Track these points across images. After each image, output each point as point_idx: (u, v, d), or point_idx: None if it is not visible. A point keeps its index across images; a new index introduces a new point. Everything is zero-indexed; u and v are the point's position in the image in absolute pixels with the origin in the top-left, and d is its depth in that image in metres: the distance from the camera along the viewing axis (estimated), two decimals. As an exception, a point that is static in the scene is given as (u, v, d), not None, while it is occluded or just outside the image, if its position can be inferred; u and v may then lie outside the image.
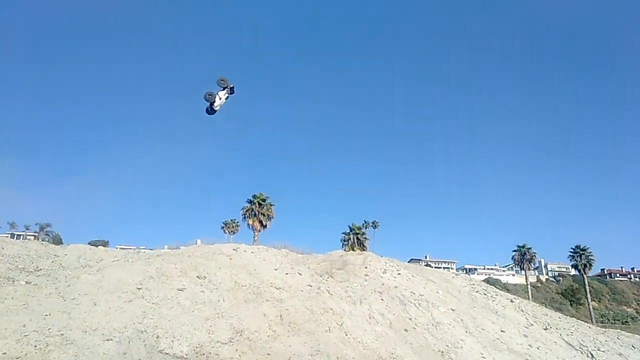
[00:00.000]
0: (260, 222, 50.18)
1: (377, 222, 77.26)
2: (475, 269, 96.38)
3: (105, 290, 10.89)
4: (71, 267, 13.83)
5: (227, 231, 69.03)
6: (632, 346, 16.30)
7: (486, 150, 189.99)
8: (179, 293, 11.22)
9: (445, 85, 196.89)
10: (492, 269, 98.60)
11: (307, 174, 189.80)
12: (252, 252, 15.45)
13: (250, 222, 50.24)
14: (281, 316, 10.79)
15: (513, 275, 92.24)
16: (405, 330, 12.06)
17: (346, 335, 10.94)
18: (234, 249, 15.19)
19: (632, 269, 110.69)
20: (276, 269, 14.13)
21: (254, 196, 50.97)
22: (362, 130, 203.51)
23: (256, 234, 50.29)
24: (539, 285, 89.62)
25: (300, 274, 14.21)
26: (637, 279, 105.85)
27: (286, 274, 13.94)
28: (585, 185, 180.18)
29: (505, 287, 75.51)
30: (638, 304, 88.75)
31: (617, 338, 17.12)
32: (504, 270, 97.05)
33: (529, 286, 66.69)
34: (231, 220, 70.33)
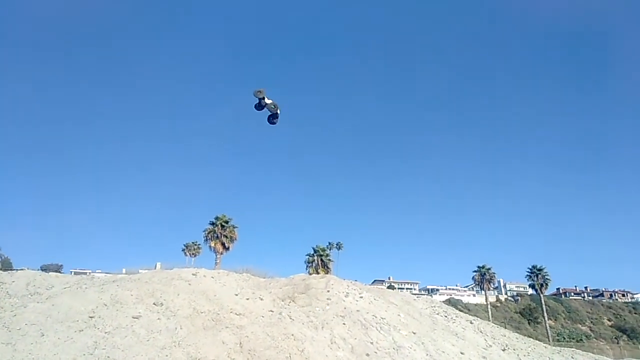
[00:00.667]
0: (223, 244, 49.35)
1: (341, 244, 77.55)
2: (438, 290, 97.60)
3: (55, 320, 10.38)
4: (18, 295, 13.14)
5: (188, 253, 67.54)
6: (586, 365, 16.77)
7: (447, 171, 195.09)
8: (134, 321, 10.81)
9: (409, 103, 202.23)
10: (453, 289, 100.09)
11: (271, 195, 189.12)
12: (212, 277, 15.13)
13: (212, 245, 49.33)
14: (241, 343, 10.55)
15: (474, 295, 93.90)
16: (367, 354, 12.00)
17: (307, 361, 10.78)
18: (193, 274, 14.84)
19: (586, 287, 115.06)
20: (237, 294, 13.87)
21: (217, 218, 50.20)
22: (325, 150, 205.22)
23: (218, 256, 49.38)
24: (499, 304, 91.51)
25: (261, 299, 13.99)
26: (591, 298, 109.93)
27: (247, 299, 13.69)
28: (541, 206, 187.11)
29: (467, 307, 76.83)
30: (591, 322, 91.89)
31: (571, 357, 17.62)
32: (465, 291, 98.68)
33: (489, 306, 67.97)
34: (192, 242, 68.94)
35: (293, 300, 14.53)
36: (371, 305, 15.22)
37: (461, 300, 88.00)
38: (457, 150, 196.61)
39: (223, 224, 49.56)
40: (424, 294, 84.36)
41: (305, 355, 11.02)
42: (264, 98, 13.47)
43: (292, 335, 11.82)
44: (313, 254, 55.65)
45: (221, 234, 49.20)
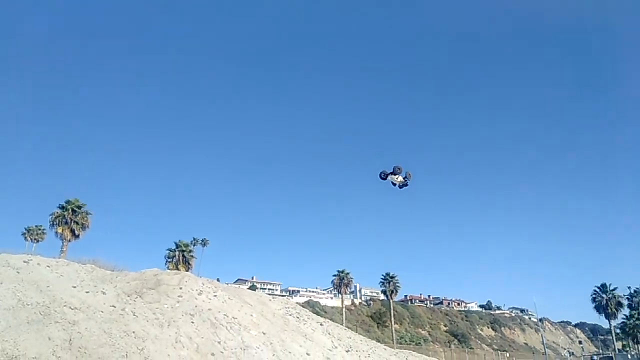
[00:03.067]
0: (72, 231, 44.78)
1: (207, 240, 75.33)
2: (298, 291, 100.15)
3: None
4: None
5: (29, 238, 60.19)
6: (417, 365, 18.40)
7: (314, 175, 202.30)
8: (-63, 312, 9.20)
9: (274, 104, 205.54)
10: (313, 291, 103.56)
11: (135, 185, 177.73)
12: (48, 266, 13.56)
13: (60, 231, 44.44)
14: (70, 340, 9.55)
15: (332, 298, 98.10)
16: (212, 354, 11.72)
17: (146, 361, 10.16)
18: (24, 261, 13.13)
19: (429, 295, 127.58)
20: (75, 287, 12.59)
21: (68, 201, 45.40)
22: (197, 146, 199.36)
23: (65, 244, 44.67)
24: (353, 308, 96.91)
25: (104, 293, 12.90)
26: (432, 305, 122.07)
27: (87, 292, 12.51)
28: (397, 216, 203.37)
29: (324, 310, 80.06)
30: (430, 327, 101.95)
31: (406, 358, 19.20)
32: (324, 293, 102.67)
33: (343, 309, 71.41)
34: (36, 226, 61.65)
35: (140, 296, 13.64)
36: (224, 304, 14.95)
37: (319, 303, 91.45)
38: (325, 154, 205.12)
39: (75, 208, 44.99)
40: (285, 295, 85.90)
41: (145, 355, 10.37)
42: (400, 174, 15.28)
43: (133, 332, 11.07)
44: (174, 249, 53.26)
45: (71, 219, 44.60)
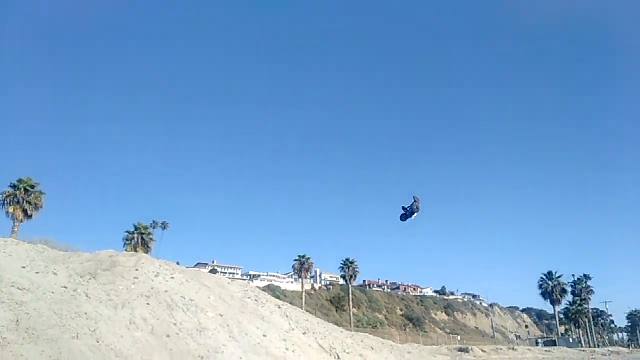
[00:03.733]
0: (25, 211, 43.15)
1: (167, 223, 74.17)
2: (259, 275, 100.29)
3: None
4: None
5: (-24, 218, 57.31)
6: (371, 347, 18.92)
7: (271, 160, 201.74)
8: None
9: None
10: (274, 275, 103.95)
11: (93, 166, 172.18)
12: (-4, 245, 13.08)
13: (11, 210, 42.75)
14: (17, 320, 9.30)
15: (292, 282, 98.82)
16: (168, 335, 11.67)
17: (97, 342, 10.01)
18: (-30, 240, 12.63)
19: (386, 280, 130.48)
20: (24, 267, 12.20)
21: (20, 180, 43.60)
22: (160, 118, 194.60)
23: (17, 224, 43.05)
24: (313, 292, 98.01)
25: (55, 274, 12.56)
26: (389, 290, 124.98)
27: (37, 272, 12.15)
28: (358, 203, 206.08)
29: (284, 294, 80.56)
30: (387, 311, 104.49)
31: (362, 341, 19.70)
32: (284, 278, 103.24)
33: (303, 293, 72.24)
34: (-15, 205, 58.84)
35: (94, 277, 13.37)
36: (181, 286, 14.86)
37: (280, 287, 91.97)
38: (287, 140, 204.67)
39: (27, 188, 43.30)
40: (246, 279, 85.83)
41: (97, 336, 10.22)
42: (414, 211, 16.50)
43: (85, 314, 10.87)
44: (133, 232, 52.26)
45: (23, 199, 42.92)
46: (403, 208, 17.20)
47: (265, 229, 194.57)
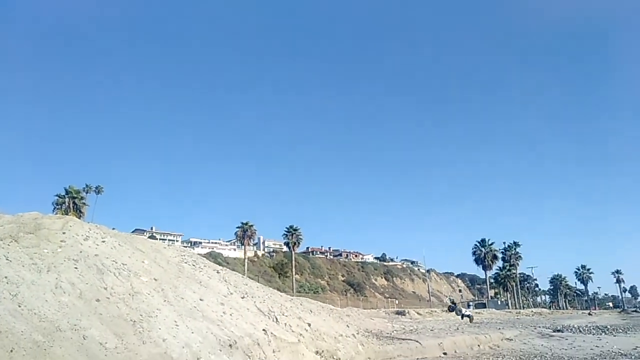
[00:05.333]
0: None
1: (102, 187, 70.85)
2: (200, 242, 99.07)
3: None
4: None
5: None
6: (310, 310, 19.33)
7: (213, 125, 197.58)
8: None
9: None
10: (216, 242, 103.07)
11: (20, 123, 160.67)
12: None
13: None
14: None
15: (235, 250, 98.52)
16: (97, 300, 11.24)
17: (19, 306, 9.46)
18: None
19: (329, 248, 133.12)
20: None
21: None
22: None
23: None
24: (256, 259, 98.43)
25: (-29, 237, 11.67)
26: (332, 257, 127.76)
27: (-50, 235, 11.23)
28: (302, 170, 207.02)
29: (226, 261, 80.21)
30: (329, 277, 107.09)
31: (301, 304, 20.03)
32: (226, 245, 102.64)
33: (246, 260, 72.36)
34: None
35: (16, 241, 12.53)
36: (113, 250, 14.28)
37: (222, 254, 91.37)
38: (234, 102, 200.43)
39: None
40: (187, 246, 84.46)
41: (19, 300, 9.64)
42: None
43: (6, 278, 10.20)
44: (64, 195, 49.56)
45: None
46: (452, 302, 24.00)
47: (208, 195, 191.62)
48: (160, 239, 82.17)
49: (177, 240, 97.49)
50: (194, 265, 17.33)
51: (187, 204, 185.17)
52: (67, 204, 48.78)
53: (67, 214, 46.91)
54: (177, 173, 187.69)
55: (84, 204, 51.26)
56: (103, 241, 14.49)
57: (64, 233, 13.93)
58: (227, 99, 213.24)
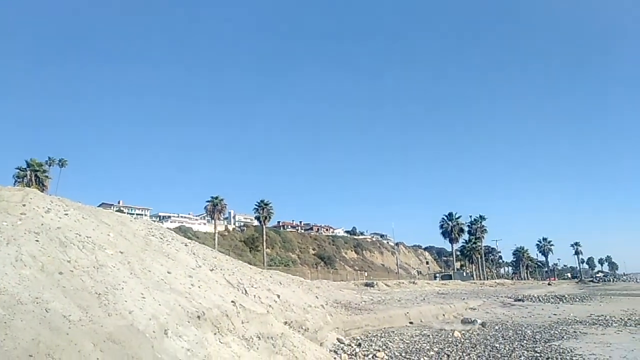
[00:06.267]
0: None
1: (65, 160, 68.76)
2: (169, 217, 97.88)
3: None
4: None
5: None
6: (280, 282, 19.50)
7: (182, 97, 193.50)
8: None
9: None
10: (186, 217, 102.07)
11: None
12: None
13: None
14: None
15: (204, 224, 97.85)
16: (60, 273, 10.97)
17: (-23, 280, 9.17)
18: None
19: (300, 222, 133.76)
20: None
21: None
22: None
23: None
24: (227, 234, 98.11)
25: None
26: (303, 231, 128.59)
27: None
28: (273, 144, 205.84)
29: (196, 235, 79.66)
30: (300, 250, 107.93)
31: (270, 276, 20.17)
32: (196, 219, 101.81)
33: (216, 234, 72.04)
34: None
35: (-28, 213, 12.07)
36: (77, 223, 13.91)
37: (192, 229, 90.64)
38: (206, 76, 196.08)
39: None
40: (155, 221, 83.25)
41: (-24, 274, 9.35)
42: None
43: (-38, 251, 9.86)
44: (26, 168, 47.81)
45: None
46: None
47: (177, 168, 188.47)
48: (128, 213, 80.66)
49: (145, 215, 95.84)
50: (161, 238, 17.12)
51: (156, 178, 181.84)
52: (28, 177, 47.04)
53: (28, 187, 45.42)
54: (145, 146, 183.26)
55: (47, 177, 49.58)
56: (66, 214, 14.09)
57: (24, 205, 13.46)
58: (197, 72, 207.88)
